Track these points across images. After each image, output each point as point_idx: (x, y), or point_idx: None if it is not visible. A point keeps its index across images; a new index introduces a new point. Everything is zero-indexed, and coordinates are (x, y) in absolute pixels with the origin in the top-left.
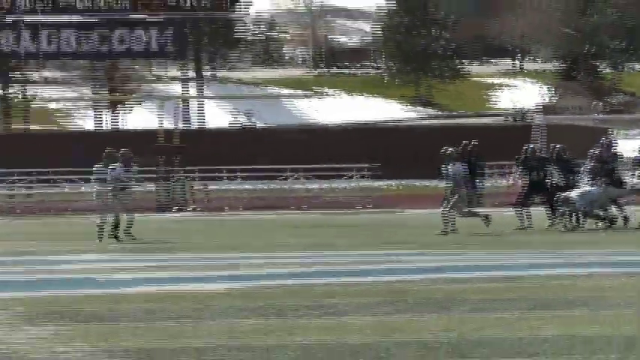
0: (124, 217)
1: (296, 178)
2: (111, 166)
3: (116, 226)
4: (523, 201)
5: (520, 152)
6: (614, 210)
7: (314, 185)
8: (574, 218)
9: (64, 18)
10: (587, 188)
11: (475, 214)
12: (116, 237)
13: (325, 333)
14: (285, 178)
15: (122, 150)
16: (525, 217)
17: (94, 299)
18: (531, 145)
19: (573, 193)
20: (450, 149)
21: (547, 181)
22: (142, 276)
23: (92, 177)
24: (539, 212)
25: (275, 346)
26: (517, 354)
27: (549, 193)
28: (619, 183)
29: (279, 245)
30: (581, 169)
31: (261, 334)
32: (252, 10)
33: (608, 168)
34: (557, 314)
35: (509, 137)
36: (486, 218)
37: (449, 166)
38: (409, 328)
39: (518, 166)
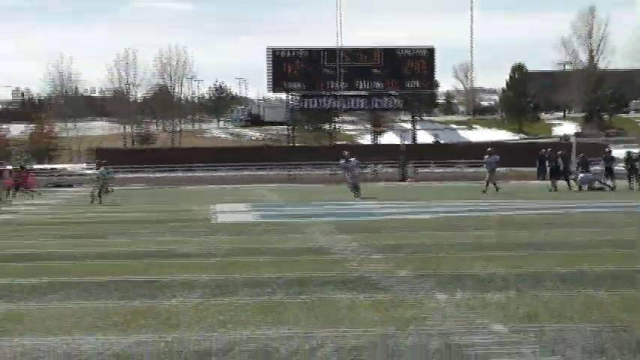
0: (358, 185)
1: (458, 167)
2: (343, 159)
3: (356, 189)
4: (551, 178)
5: (543, 152)
6: (608, 182)
7: (469, 170)
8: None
9: (352, 92)
10: (585, 175)
11: (495, 183)
12: (357, 194)
13: (481, 239)
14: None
15: (347, 152)
16: (554, 185)
17: (373, 221)
18: (549, 149)
19: (579, 176)
20: (489, 149)
21: (559, 166)
22: (391, 210)
23: (340, 166)
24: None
25: (453, 244)
26: (582, 247)
27: (560, 173)
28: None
29: (457, 198)
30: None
31: (451, 240)
32: (442, 89)
33: (586, 163)
34: (580, 230)
35: (560, 148)
36: (497, 188)
37: (486, 157)
38: (530, 238)
39: (544, 159)
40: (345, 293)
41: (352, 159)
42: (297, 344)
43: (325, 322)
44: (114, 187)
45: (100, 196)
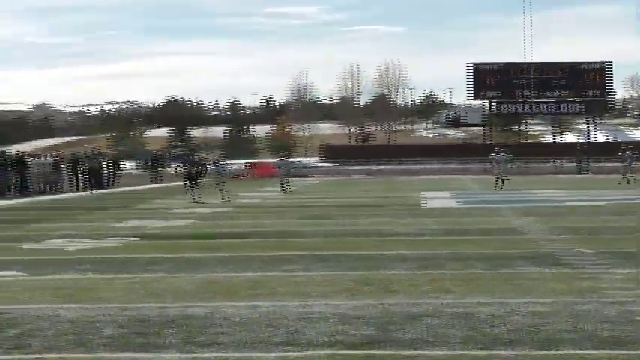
0: (504, 178)
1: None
2: (494, 154)
3: (502, 180)
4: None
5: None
6: None
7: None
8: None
9: (539, 100)
10: None
11: (632, 175)
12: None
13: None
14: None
15: (497, 148)
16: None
17: (555, 207)
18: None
19: None
20: (623, 146)
21: None
22: (570, 198)
23: (494, 159)
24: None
25: (623, 227)
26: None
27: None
28: None
29: (626, 188)
30: None
31: (622, 224)
32: (617, 96)
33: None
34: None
35: None
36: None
37: (627, 153)
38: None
39: None
40: (533, 267)
41: (500, 154)
42: (494, 309)
43: (517, 291)
44: (292, 180)
45: (286, 186)
